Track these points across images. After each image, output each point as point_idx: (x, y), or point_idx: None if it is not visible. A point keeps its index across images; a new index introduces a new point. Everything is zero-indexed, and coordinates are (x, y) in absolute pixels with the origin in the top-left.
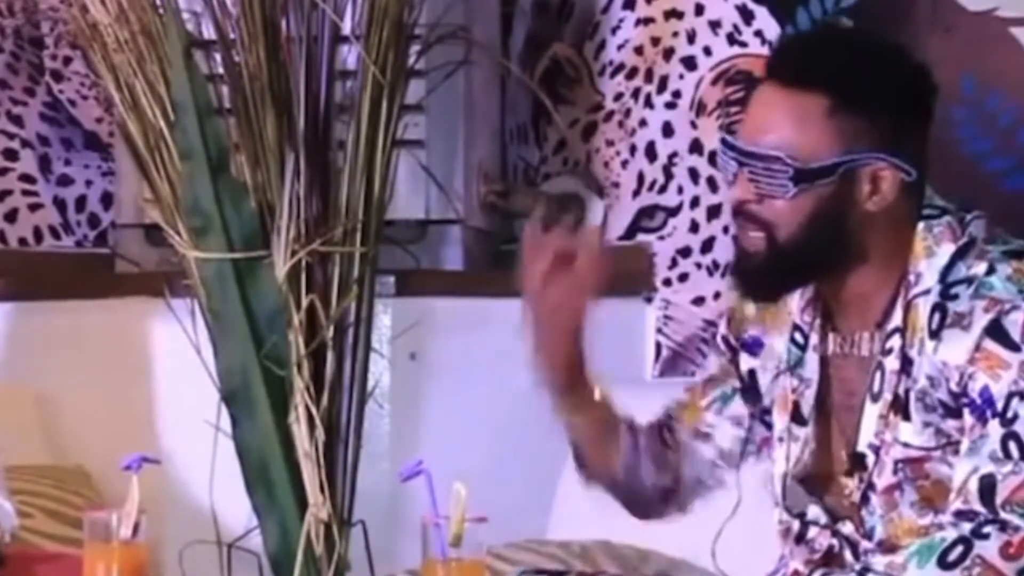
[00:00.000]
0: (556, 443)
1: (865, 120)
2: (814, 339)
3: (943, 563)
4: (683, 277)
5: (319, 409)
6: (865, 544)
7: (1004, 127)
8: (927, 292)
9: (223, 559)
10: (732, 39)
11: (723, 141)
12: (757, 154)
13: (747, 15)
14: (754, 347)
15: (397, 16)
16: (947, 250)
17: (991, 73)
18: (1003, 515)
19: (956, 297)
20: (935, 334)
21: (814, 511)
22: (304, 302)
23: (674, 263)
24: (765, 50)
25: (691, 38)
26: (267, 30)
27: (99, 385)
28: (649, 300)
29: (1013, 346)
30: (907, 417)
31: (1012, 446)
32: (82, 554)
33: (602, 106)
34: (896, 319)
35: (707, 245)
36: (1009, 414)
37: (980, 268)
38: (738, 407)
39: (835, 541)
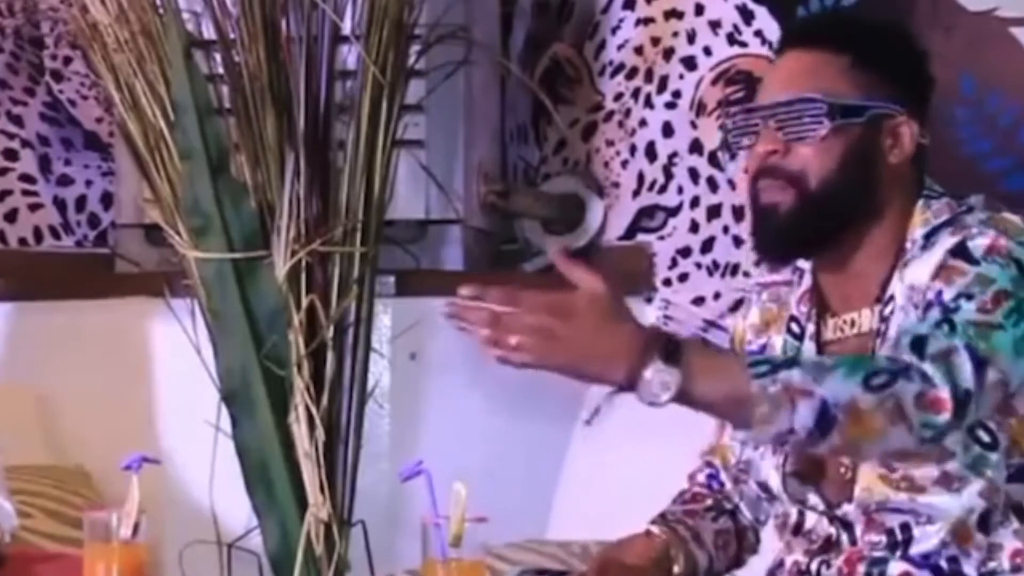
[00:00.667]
0: (556, 443)
1: (885, 77)
2: (810, 329)
3: (867, 383)
4: (683, 277)
5: (319, 409)
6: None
7: (1004, 127)
8: (916, 257)
9: (223, 559)
10: (732, 39)
11: (743, 109)
12: (787, 100)
13: (747, 15)
14: (758, 353)
15: (397, 16)
16: (943, 219)
17: (991, 73)
18: (929, 368)
19: (934, 243)
20: (905, 265)
21: (812, 498)
22: (304, 302)
23: (674, 263)
24: (765, 50)
25: (691, 38)
26: (267, 30)
27: (99, 385)
28: (649, 300)
29: (972, 261)
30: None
31: (944, 327)
32: (82, 554)
33: (602, 106)
34: (892, 289)
35: (707, 245)
36: (951, 305)
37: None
38: None
39: (833, 530)
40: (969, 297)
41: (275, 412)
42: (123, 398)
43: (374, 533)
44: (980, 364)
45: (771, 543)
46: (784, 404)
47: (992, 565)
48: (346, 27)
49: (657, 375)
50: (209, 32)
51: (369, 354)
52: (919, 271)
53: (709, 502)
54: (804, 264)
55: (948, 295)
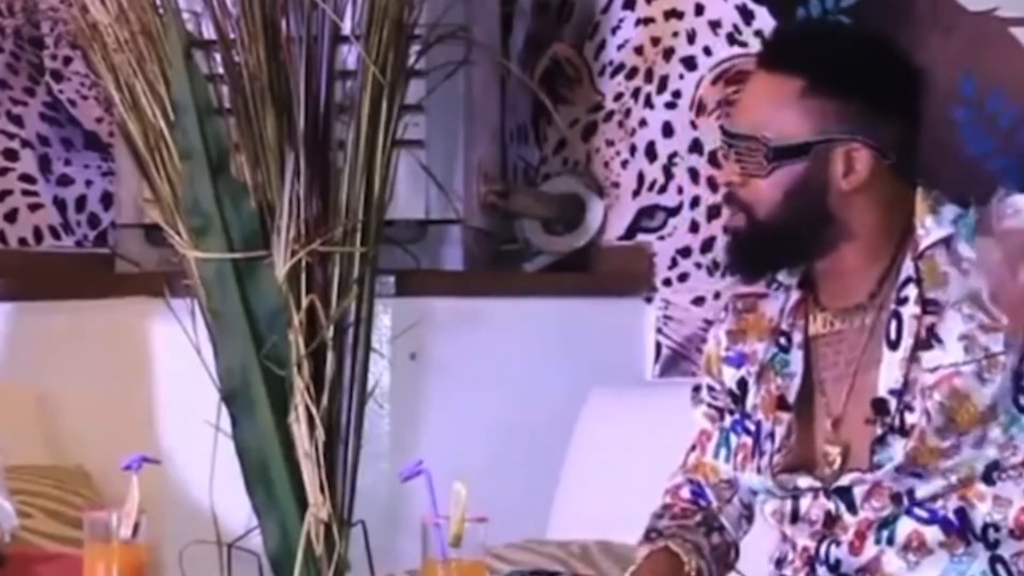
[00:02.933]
0: (556, 443)
1: (838, 102)
2: (797, 338)
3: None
4: (683, 277)
5: (319, 409)
6: (868, 476)
7: (1005, 127)
8: (942, 241)
9: (223, 559)
10: (732, 39)
11: (720, 127)
12: (738, 135)
13: (747, 15)
14: (737, 361)
15: (397, 16)
16: (951, 208)
17: (991, 73)
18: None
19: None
20: (954, 262)
21: (804, 481)
22: (304, 302)
23: (674, 263)
24: None
25: (691, 38)
26: (267, 30)
27: (99, 385)
28: (649, 300)
29: None
30: (933, 345)
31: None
32: (82, 554)
33: (602, 106)
34: (906, 272)
35: (707, 245)
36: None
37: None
38: (737, 441)
39: (831, 504)
40: None
41: (275, 412)
42: (123, 398)
43: (374, 533)
44: None
45: (767, 541)
46: None
47: (997, 517)
48: (346, 27)
49: None
50: (209, 32)
51: (369, 354)
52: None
53: (699, 518)
54: (787, 279)
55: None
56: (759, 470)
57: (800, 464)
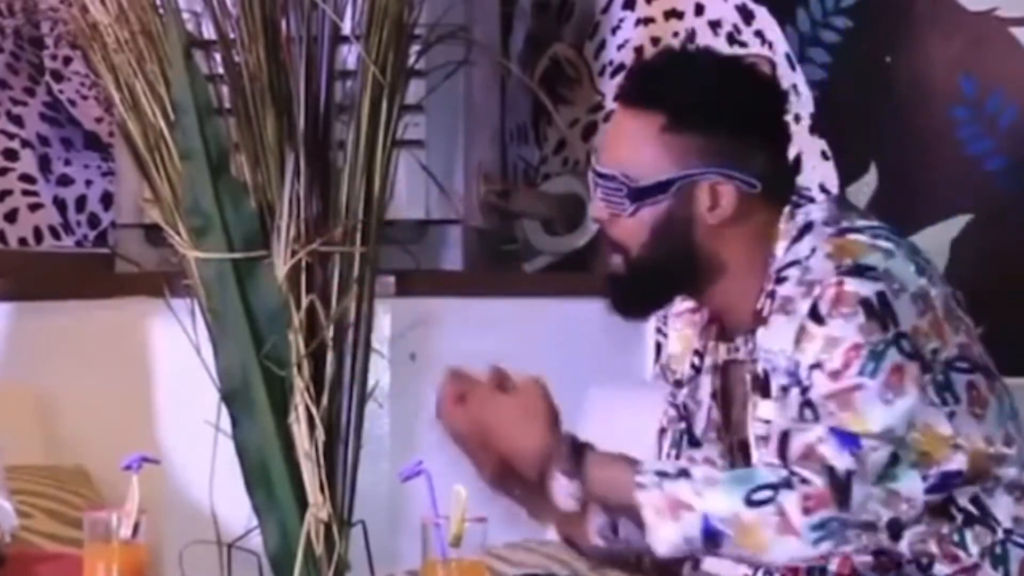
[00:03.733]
0: None
1: (700, 138)
2: (708, 361)
3: (748, 500)
4: None
5: (319, 409)
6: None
7: (1004, 127)
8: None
9: (223, 559)
10: (732, 39)
11: (589, 166)
12: (601, 173)
13: (747, 15)
14: (680, 383)
15: (397, 16)
16: (796, 228)
17: (991, 73)
18: (804, 471)
19: (785, 280)
20: (764, 319)
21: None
22: (304, 302)
23: None
24: (765, 50)
25: (691, 38)
26: (267, 30)
27: (99, 385)
28: None
29: (820, 320)
30: (767, 395)
31: (807, 412)
32: (82, 554)
33: (602, 106)
34: (765, 310)
35: None
36: (806, 382)
37: (804, 250)
38: (687, 450)
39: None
40: (819, 366)
41: (275, 412)
42: (123, 398)
43: (374, 533)
44: (850, 440)
45: None
46: (667, 515)
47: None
48: (346, 27)
49: (560, 487)
50: (209, 32)
51: (369, 354)
52: (778, 336)
53: (683, 425)
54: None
55: (803, 367)
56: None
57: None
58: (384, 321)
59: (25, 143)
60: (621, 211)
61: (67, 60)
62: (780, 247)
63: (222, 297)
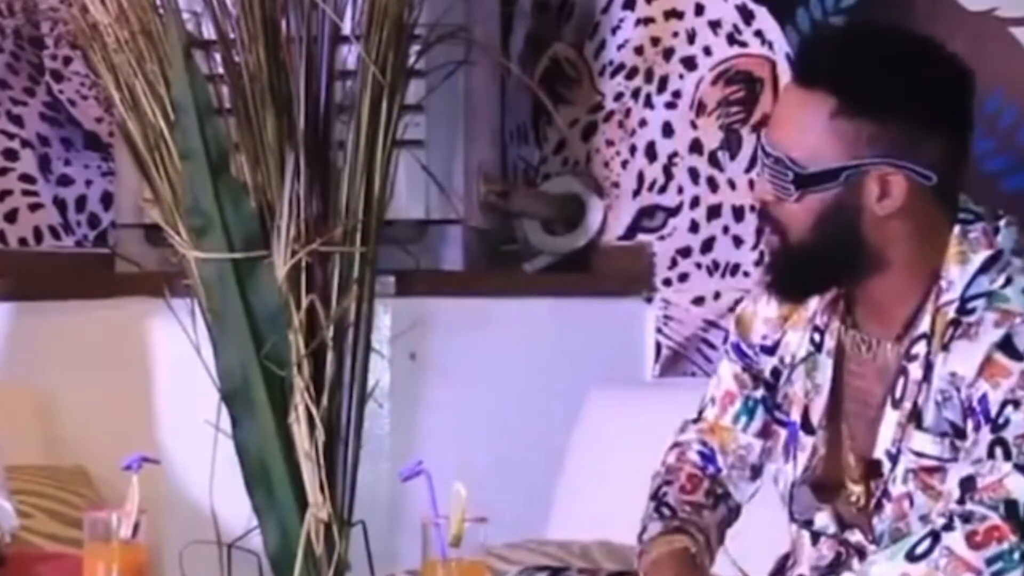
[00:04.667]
0: (556, 443)
1: (872, 124)
2: (829, 343)
3: (911, 556)
4: (683, 277)
5: (319, 409)
6: (871, 549)
7: (1004, 127)
8: (954, 301)
9: (223, 559)
10: (732, 39)
11: (758, 141)
12: (768, 152)
13: (747, 15)
14: (772, 349)
15: (397, 16)
16: (981, 257)
17: (991, 73)
18: (970, 506)
19: (973, 311)
20: (946, 346)
21: (822, 519)
22: (304, 302)
23: (674, 263)
24: (765, 50)
25: (691, 38)
26: (267, 30)
27: (99, 385)
28: (649, 300)
29: (1018, 356)
30: (921, 426)
31: (998, 451)
32: (82, 554)
33: (602, 106)
34: (923, 325)
35: (707, 245)
36: (1000, 420)
37: (999, 281)
38: (761, 418)
39: (843, 549)
40: (1016, 404)
41: (275, 412)
42: (123, 398)
43: (374, 533)
44: None
45: (781, 541)
46: None
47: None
48: (346, 27)
49: None
50: (209, 32)
51: (369, 354)
52: (961, 362)
53: (706, 485)
54: None
55: (994, 403)
56: (783, 481)
57: (825, 484)
58: (384, 321)
59: (25, 143)
60: (786, 196)
61: (67, 60)
62: (955, 271)
63: (222, 297)
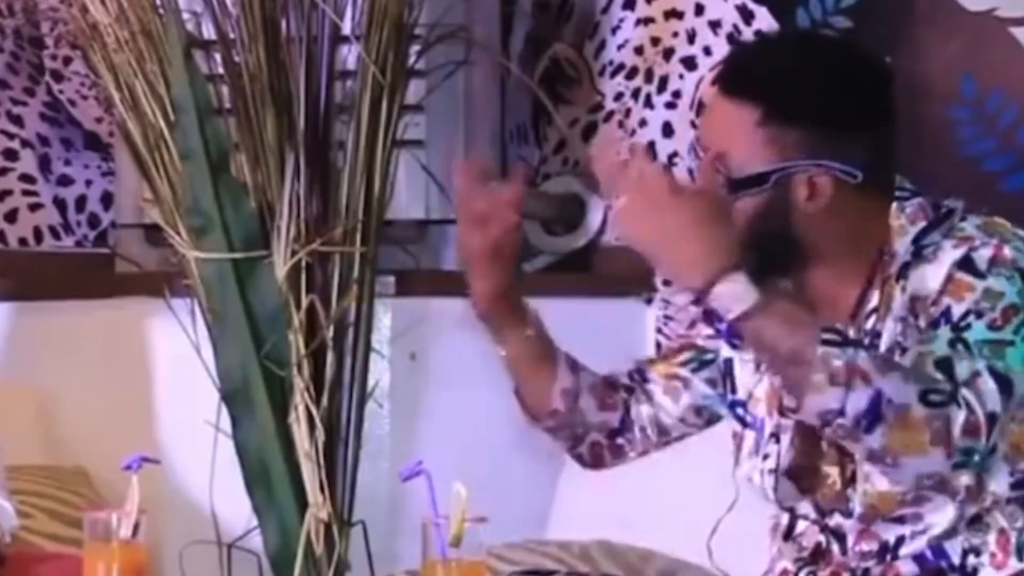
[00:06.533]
0: (556, 443)
1: (798, 129)
2: None
3: (924, 397)
4: None
5: (319, 409)
6: (847, 524)
7: (1004, 127)
8: (901, 258)
9: (223, 559)
10: (732, 39)
11: (694, 141)
12: (700, 157)
13: (747, 15)
14: (733, 338)
15: (397, 16)
16: (920, 225)
17: (991, 73)
18: (965, 393)
19: (928, 245)
20: (900, 277)
21: (804, 506)
22: (304, 302)
23: None
24: None
25: (691, 38)
26: (267, 30)
27: (99, 385)
28: (649, 300)
29: (979, 274)
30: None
31: (960, 347)
32: (82, 554)
33: (602, 106)
34: (874, 300)
35: None
36: (962, 324)
37: (951, 227)
38: (714, 374)
39: (823, 538)
40: (979, 315)
41: (275, 412)
42: (123, 398)
43: (374, 533)
44: (1005, 385)
45: (767, 547)
46: (840, 380)
47: (976, 541)
48: (346, 27)
49: (735, 287)
50: (209, 32)
51: (369, 354)
52: (923, 282)
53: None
54: None
55: (957, 312)
56: (762, 474)
57: (804, 473)
58: (384, 321)
59: (25, 143)
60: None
61: (67, 60)
62: (897, 242)
63: (222, 297)
